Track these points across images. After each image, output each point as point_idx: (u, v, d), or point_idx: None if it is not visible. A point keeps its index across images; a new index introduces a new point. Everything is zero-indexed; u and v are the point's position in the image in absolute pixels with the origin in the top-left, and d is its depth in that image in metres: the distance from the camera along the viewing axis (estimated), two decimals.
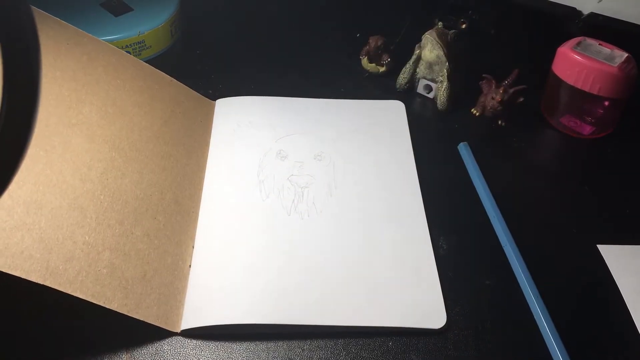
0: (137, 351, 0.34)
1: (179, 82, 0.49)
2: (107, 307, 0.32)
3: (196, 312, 0.35)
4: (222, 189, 0.43)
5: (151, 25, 0.54)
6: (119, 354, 0.33)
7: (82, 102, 0.39)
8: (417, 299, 0.36)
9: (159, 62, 0.49)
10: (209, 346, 0.34)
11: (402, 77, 0.53)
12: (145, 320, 0.33)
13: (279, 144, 0.46)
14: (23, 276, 0.28)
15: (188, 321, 0.34)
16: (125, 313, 0.32)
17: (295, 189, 0.42)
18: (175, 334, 0.34)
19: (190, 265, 0.37)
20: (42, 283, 0.29)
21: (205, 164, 0.45)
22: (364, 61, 0.55)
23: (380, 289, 0.36)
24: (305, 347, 0.34)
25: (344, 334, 0.34)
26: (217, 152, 0.46)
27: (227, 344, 0.34)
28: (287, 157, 0.45)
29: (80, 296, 0.31)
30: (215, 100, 0.51)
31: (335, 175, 0.44)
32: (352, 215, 0.41)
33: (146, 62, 0.48)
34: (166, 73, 0.48)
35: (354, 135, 0.47)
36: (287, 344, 0.34)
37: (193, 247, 0.39)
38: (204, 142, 0.46)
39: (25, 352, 0.34)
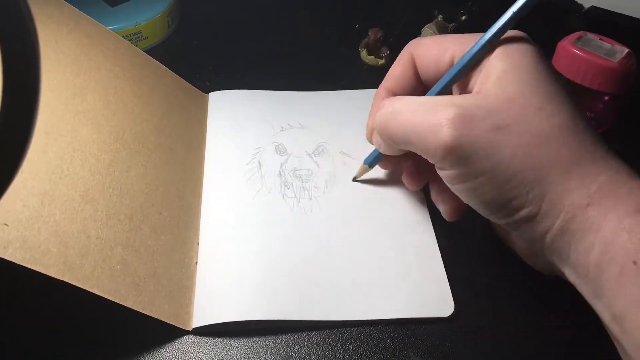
0: (134, 351, 0.33)
1: (173, 73, 0.48)
2: (123, 304, 0.31)
3: (207, 310, 0.34)
4: (223, 184, 0.42)
5: (148, 15, 0.53)
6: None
7: (86, 89, 0.37)
8: (422, 289, 0.36)
9: (156, 53, 0.47)
10: (207, 344, 0.33)
11: None
12: (159, 318, 0.32)
13: (277, 139, 0.45)
14: (42, 271, 0.27)
15: (199, 319, 0.34)
16: (140, 310, 0.32)
17: (297, 184, 0.42)
18: (187, 332, 0.34)
19: (196, 262, 0.37)
20: (60, 279, 0.28)
21: (204, 158, 0.44)
22: (363, 53, 0.55)
23: (385, 280, 0.36)
24: (303, 344, 0.34)
25: (343, 331, 0.34)
26: (214, 146, 0.45)
27: (225, 341, 0.34)
28: (286, 151, 0.44)
29: (98, 293, 0.30)
30: (209, 93, 0.49)
31: (336, 168, 0.44)
32: (354, 207, 0.41)
33: None
34: (162, 64, 0.47)
35: (353, 126, 0.47)
36: (285, 341, 0.34)
37: (198, 244, 0.38)
38: (201, 136, 0.45)
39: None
